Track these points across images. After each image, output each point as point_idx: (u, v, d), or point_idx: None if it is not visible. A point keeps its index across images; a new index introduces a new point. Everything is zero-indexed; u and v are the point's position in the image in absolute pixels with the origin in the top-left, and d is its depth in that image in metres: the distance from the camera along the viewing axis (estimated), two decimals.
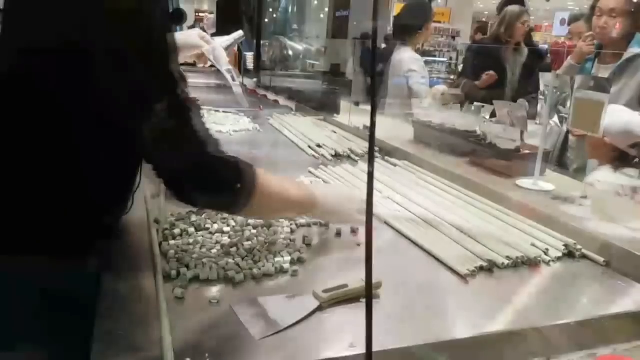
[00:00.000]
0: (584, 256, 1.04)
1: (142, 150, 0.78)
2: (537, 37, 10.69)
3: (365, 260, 0.48)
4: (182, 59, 1.25)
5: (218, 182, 0.79)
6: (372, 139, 0.46)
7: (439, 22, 9.12)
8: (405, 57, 2.90)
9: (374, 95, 0.49)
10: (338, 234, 1.06)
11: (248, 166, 0.82)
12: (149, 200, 1.15)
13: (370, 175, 0.47)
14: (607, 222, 1.14)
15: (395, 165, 1.67)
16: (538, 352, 0.75)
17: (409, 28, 2.94)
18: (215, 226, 1.02)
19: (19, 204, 0.78)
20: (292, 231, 1.04)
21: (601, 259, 1.01)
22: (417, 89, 2.79)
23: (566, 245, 1.05)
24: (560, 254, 1.02)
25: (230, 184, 0.79)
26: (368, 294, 0.50)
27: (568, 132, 2.13)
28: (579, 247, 1.04)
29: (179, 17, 0.88)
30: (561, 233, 1.09)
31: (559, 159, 2.26)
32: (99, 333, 0.68)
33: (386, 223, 1.15)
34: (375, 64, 0.51)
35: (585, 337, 0.78)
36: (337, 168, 1.59)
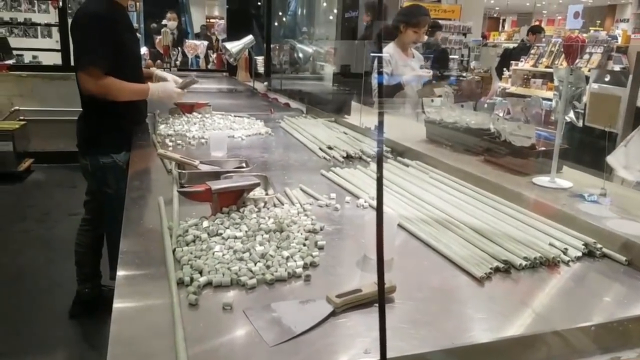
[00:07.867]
0: (604, 255, 1.01)
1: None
2: (550, 31, 10.54)
3: (377, 263, 0.47)
4: None
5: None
6: (380, 139, 0.45)
7: (449, 19, 9.04)
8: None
9: (381, 96, 0.49)
10: None
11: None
12: (162, 207, 1.16)
13: (380, 181, 0.46)
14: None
15: (407, 165, 1.65)
16: (559, 356, 0.73)
17: (390, 28, 3.04)
18: (228, 232, 1.02)
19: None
20: (306, 238, 1.03)
21: (623, 258, 0.98)
22: (373, 85, 2.93)
23: (586, 245, 1.02)
24: (580, 254, 1.00)
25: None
26: (380, 298, 0.49)
27: None
28: (599, 246, 1.02)
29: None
30: (580, 232, 1.07)
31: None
32: (114, 339, 0.68)
33: (399, 225, 1.13)
34: (381, 65, 0.49)
35: (609, 339, 0.76)
36: (349, 170, 1.58)
